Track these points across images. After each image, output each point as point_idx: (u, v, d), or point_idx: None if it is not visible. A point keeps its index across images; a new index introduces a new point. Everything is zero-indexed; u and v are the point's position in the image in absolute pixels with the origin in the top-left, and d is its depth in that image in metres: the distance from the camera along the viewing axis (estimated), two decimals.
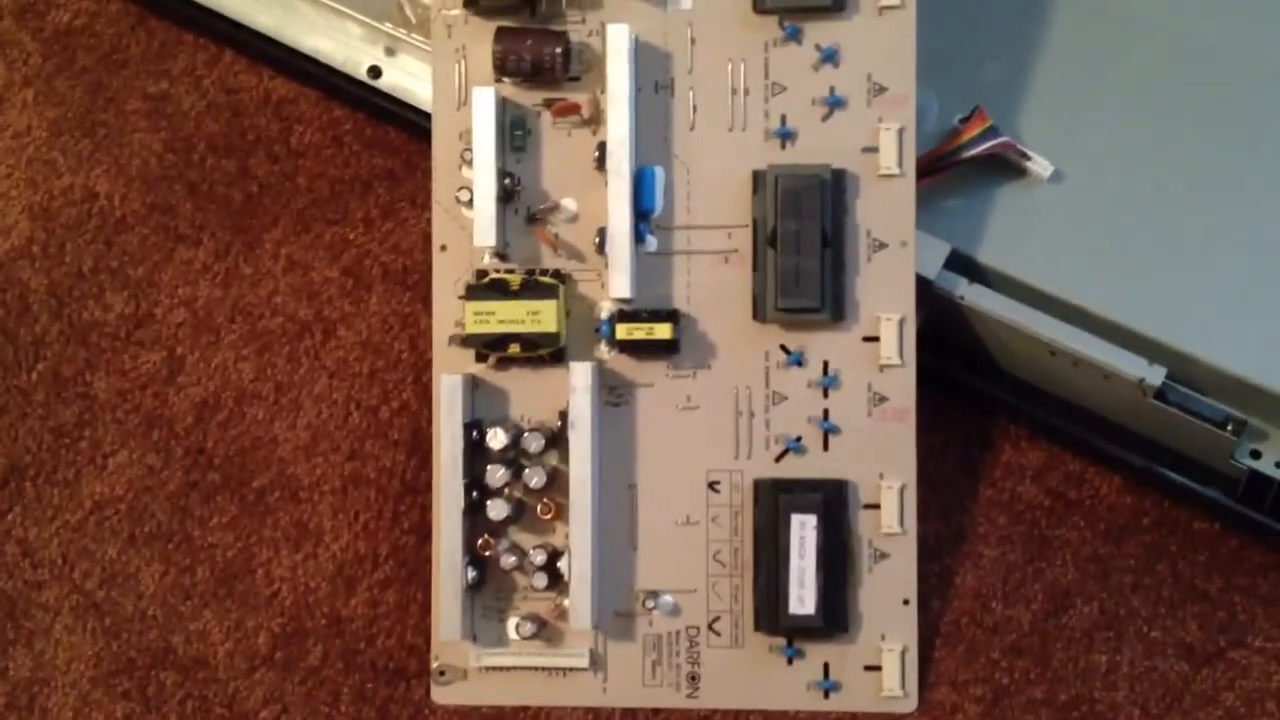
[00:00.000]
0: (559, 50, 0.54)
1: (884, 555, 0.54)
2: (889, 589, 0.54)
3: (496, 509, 0.54)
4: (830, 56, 0.54)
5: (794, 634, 0.54)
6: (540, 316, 0.54)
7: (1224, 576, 0.58)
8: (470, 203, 0.55)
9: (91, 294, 0.65)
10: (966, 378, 0.58)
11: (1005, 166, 0.57)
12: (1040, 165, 0.57)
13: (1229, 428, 0.54)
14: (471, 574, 0.55)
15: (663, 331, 0.54)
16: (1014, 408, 0.59)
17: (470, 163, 0.55)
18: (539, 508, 0.55)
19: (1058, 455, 0.59)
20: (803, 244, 0.53)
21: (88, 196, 0.66)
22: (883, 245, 0.54)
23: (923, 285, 0.54)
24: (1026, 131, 0.57)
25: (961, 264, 0.56)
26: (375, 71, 0.63)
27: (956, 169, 0.56)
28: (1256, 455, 0.54)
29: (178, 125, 0.67)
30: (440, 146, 0.56)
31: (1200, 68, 0.58)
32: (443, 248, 0.56)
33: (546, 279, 0.55)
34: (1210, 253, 0.56)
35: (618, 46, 0.53)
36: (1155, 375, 0.54)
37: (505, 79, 0.55)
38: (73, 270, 0.66)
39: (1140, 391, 0.54)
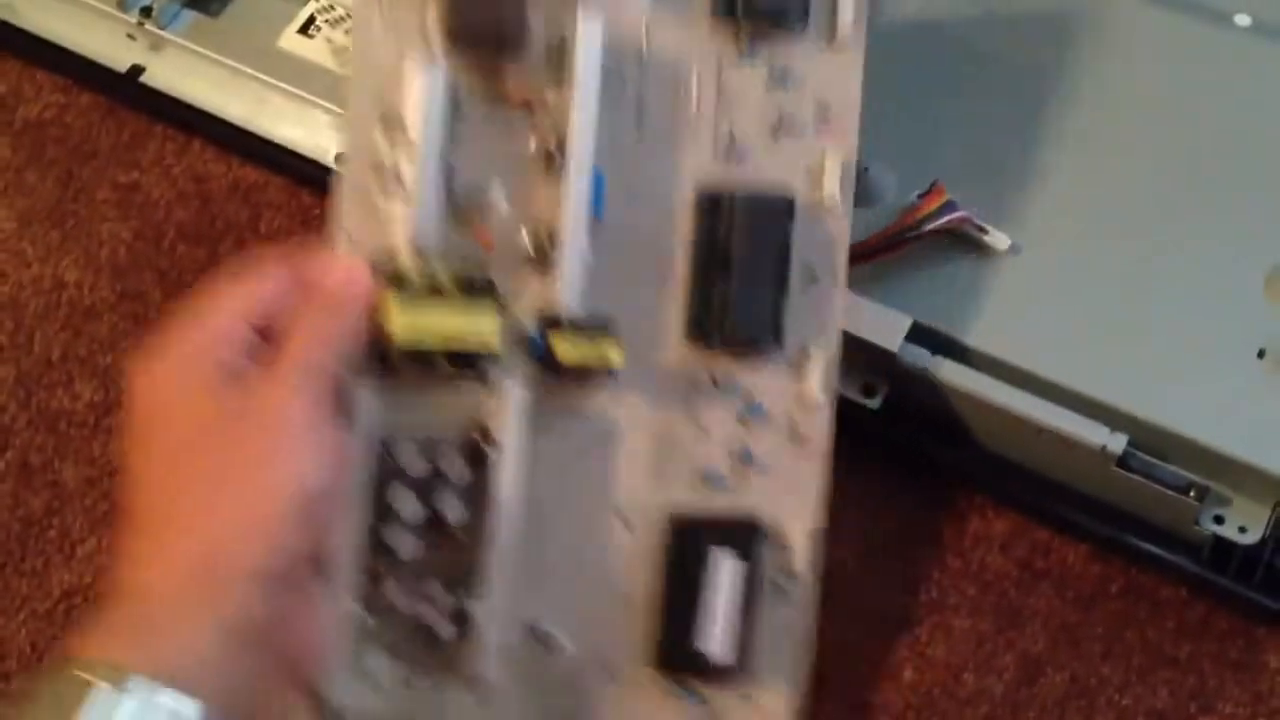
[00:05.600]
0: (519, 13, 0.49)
1: (786, 595, 0.51)
2: (790, 631, 0.51)
3: (401, 539, 0.49)
4: (784, 79, 0.52)
5: (699, 674, 0.50)
6: (476, 325, 0.48)
7: (1192, 642, 0.58)
8: (390, 194, 0.49)
9: (60, 382, 0.65)
10: (931, 448, 0.59)
11: (964, 240, 0.58)
12: (998, 238, 0.58)
13: (1191, 494, 0.54)
14: (367, 617, 0.49)
15: (596, 350, 0.49)
16: (979, 478, 0.59)
17: (395, 147, 0.49)
18: (447, 538, 0.49)
19: (1024, 525, 0.60)
20: (745, 271, 0.50)
21: (57, 285, 0.67)
22: (816, 279, 0.51)
23: (885, 357, 0.55)
24: (983, 206, 0.58)
25: (923, 336, 0.56)
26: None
27: (916, 243, 0.57)
28: (1220, 520, 0.55)
29: (147, 214, 0.67)
30: (356, 124, 0.49)
31: (1152, 141, 0.60)
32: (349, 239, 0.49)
33: (480, 285, 0.48)
34: (1168, 320, 0.57)
35: (589, 35, 0.49)
36: (1117, 443, 0.54)
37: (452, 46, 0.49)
38: (41, 359, 0.66)
39: (1103, 459, 0.54)
